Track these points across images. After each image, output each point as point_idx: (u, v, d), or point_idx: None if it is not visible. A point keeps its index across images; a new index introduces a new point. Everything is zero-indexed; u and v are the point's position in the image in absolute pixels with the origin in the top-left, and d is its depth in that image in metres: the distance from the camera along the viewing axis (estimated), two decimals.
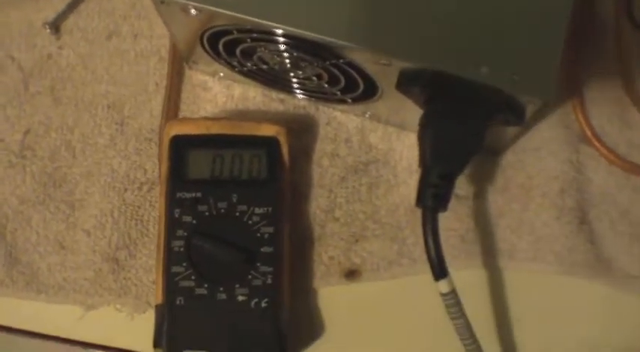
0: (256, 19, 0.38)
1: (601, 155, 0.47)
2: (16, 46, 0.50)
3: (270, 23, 0.38)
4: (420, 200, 0.40)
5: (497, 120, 0.40)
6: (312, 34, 0.38)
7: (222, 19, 0.39)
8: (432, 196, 0.40)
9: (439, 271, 0.40)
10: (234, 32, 0.41)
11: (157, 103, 0.47)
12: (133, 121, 0.47)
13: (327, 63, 0.41)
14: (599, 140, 0.47)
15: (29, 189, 0.47)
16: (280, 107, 0.47)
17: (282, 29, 0.39)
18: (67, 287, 0.46)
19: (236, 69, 0.45)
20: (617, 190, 0.46)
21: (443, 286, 0.40)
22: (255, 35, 0.40)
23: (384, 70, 0.40)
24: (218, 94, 0.48)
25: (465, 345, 0.41)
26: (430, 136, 0.40)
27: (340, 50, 0.39)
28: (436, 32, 0.38)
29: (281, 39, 0.40)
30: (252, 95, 0.47)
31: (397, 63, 0.38)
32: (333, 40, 0.38)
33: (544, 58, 0.38)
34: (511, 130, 0.43)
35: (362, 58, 0.39)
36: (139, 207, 0.46)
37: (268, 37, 0.40)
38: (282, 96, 0.47)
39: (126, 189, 0.46)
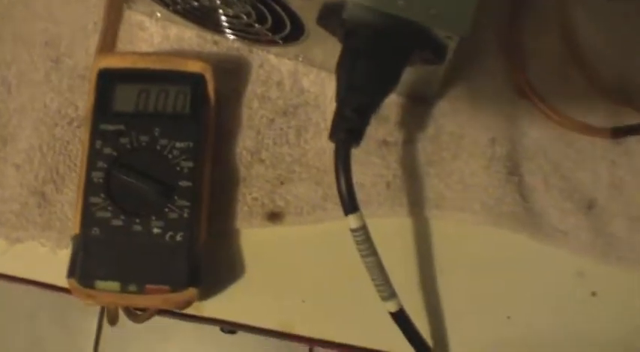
0: None
1: (537, 108, 0.46)
2: None
3: None
4: (333, 133, 0.39)
5: (417, 57, 0.40)
6: None
7: None
8: (345, 130, 0.39)
9: (349, 205, 0.39)
10: None
11: (94, 42, 0.47)
12: (68, 59, 0.47)
13: None
14: (535, 93, 0.46)
15: None
16: (214, 48, 0.47)
17: None
18: None
19: (170, 7, 0.45)
20: (550, 144, 0.45)
21: (353, 221, 0.39)
22: None
23: (306, 5, 0.39)
24: (154, 34, 0.47)
25: (375, 286, 0.40)
26: (346, 69, 0.39)
27: None
28: None
29: None
30: (187, 36, 0.47)
31: None
32: None
33: None
34: (438, 73, 0.42)
35: None
36: (68, 143, 0.46)
37: None
38: (217, 38, 0.47)
39: (56, 124, 0.46)
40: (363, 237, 0.39)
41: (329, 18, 0.40)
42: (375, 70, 0.39)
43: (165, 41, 0.47)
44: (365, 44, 0.39)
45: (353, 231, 0.39)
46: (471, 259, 0.44)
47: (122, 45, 0.48)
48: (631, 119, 0.45)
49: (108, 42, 0.47)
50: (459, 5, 0.38)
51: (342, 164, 0.39)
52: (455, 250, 0.44)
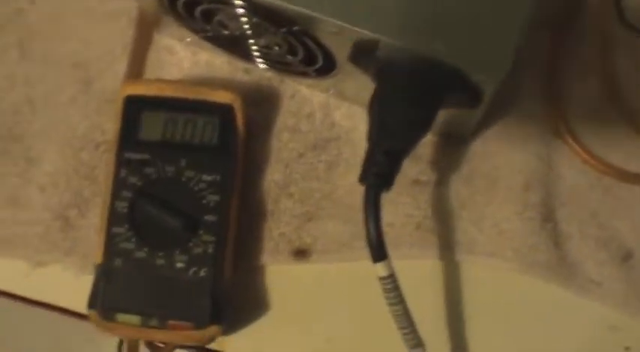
0: None
1: (574, 152, 0.44)
2: None
3: None
4: (363, 177, 0.38)
5: (452, 101, 0.38)
6: None
7: None
8: (375, 174, 0.38)
9: (378, 253, 0.38)
10: None
11: (123, 65, 0.46)
12: (96, 82, 0.46)
13: (283, 30, 0.39)
14: (573, 137, 0.44)
15: None
16: (245, 77, 0.46)
17: None
18: (16, 241, 0.45)
19: (200, 34, 0.44)
20: (588, 190, 0.44)
21: (381, 269, 0.38)
22: None
23: (337, 41, 0.38)
24: (184, 59, 0.46)
25: (403, 334, 0.39)
26: (378, 111, 0.38)
27: (292, 16, 0.37)
28: (390, 3, 0.36)
29: (236, 1, 0.39)
30: (218, 63, 0.46)
31: (345, 31, 0.36)
32: (280, 2, 0.36)
33: (502, 38, 0.36)
34: (473, 115, 0.41)
35: (312, 24, 0.37)
36: (94, 167, 0.45)
37: None
38: (248, 66, 0.46)
39: (82, 149, 0.46)
40: (392, 286, 0.38)
41: (361, 56, 0.38)
42: (408, 113, 0.38)
43: (195, 67, 0.46)
44: (398, 86, 0.38)
45: (381, 279, 0.38)
46: (501, 306, 0.43)
47: (151, 69, 0.47)
48: None
49: (136, 66, 0.46)
50: (498, 49, 0.36)
51: (372, 210, 0.38)
52: (485, 296, 0.43)
